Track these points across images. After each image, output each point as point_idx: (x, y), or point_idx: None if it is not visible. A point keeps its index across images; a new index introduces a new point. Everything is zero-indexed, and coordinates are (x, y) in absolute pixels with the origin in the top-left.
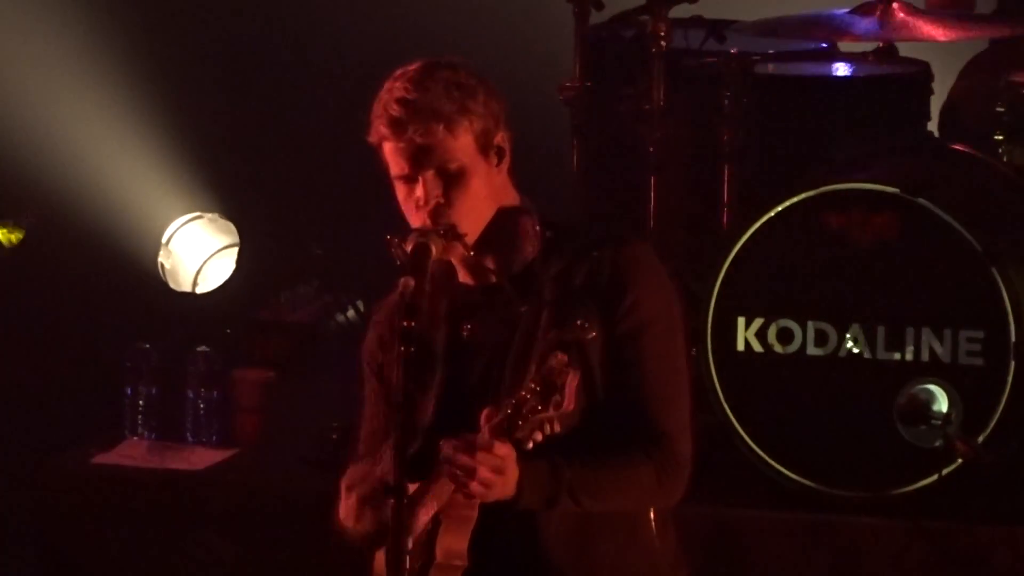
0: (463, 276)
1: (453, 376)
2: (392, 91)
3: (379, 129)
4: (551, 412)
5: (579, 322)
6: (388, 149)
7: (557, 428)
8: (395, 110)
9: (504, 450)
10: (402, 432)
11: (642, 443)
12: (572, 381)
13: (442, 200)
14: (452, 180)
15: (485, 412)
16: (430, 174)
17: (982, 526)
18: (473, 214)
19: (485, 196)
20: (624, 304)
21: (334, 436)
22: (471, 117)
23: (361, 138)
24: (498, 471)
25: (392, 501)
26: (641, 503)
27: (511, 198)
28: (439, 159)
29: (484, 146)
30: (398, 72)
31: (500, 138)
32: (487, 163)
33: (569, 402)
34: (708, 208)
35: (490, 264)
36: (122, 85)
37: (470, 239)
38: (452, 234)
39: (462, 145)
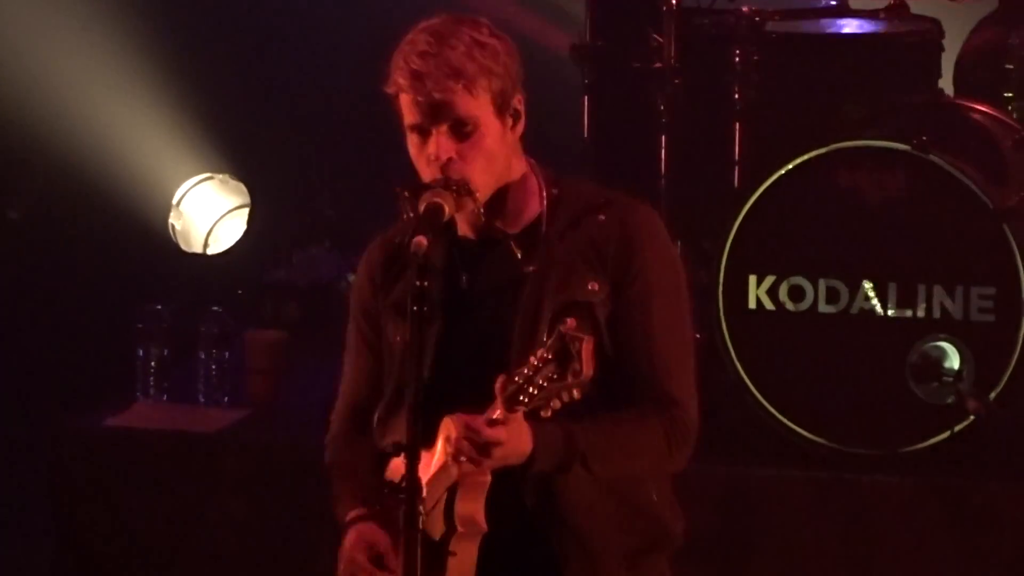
0: (463, 229)
1: (452, 328)
2: (414, 44)
3: (397, 80)
4: (569, 380)
5: (589, 285)
6: (405, 100)
7: (576, 395)
8: (416, 63)
9: (515, 425)
10: (415, 391)
11: (652, 408)
12: (588, 346)
13: (454, 156)
14: (466, 137)
15: (499, 381)
16: (444, 129)
17: (994, 482)
18: (485, 173)
19: (498, 155)
20: (633, 268)
21: None
22: (491, 77)
23: (371, 98)
24: (510, 450)
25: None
26: (651, 469)
27: (520, 159)
28: (455, 116)
29: (501, 106)
30: (422, 25)
31: (517, 100)
32: (502, 124)
33: (588, 368)
34: (719, 166)
35: (496, 221)
36: (133, 47)
37: (481, 197)
38: (464, 190)
39: (480, 104)
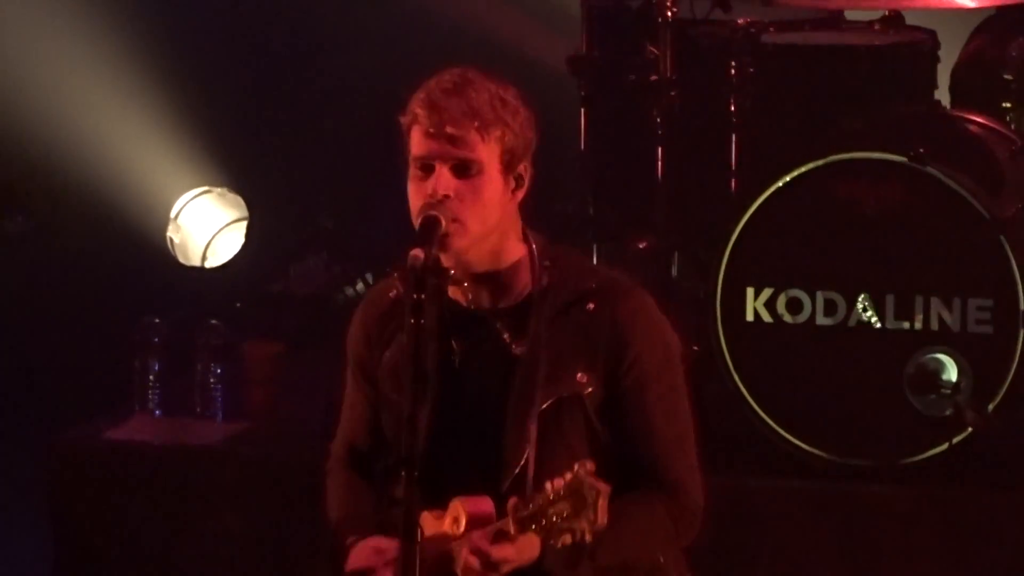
0: (454, 293)
1: (444, 399)
2: (440, 81)
3: (415, 110)
4: (584, 525)
5: (579, 376)
6: (416, 132)
7: (589, 539)
8: (436, 96)
9: (525, 539)
10: (414, 405)
11: (657, 495)
12: (603, 500)
13: (451, 195)
14: (467, 180)
15: (512, 502)
16: (448, 168)
17: (992, 494)
18: (479, 220)
19: (494, 208)
20: (627, 359)
21: None
22: (504, 130)
23: (369, 111)
24: (518, 563)
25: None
26: (657, 550)
27: (516, 227)
28: (462, 154)
29: (507, 164)
30: (453, 68)
31: (523, 167)
32: (504, 183)
33: (603, 519)
34: (716, 178)
35: (485, 293)
36: (131, 60)
37: (470, 249)
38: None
39: (488, 151)
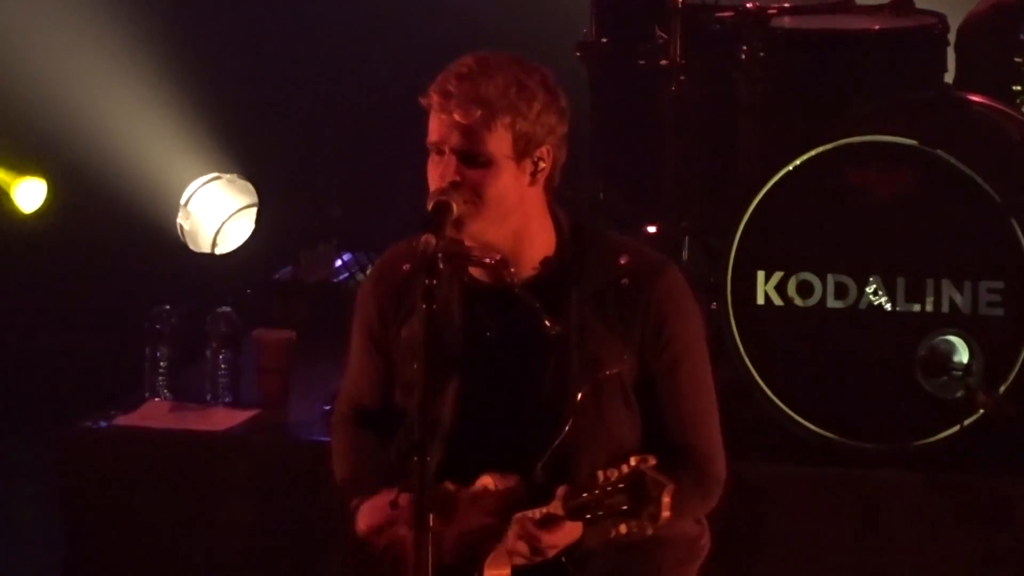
0: (478, 273)
1: (472, 379)
2: (459, 65)
3: (431, 95)
4: (644, 520)
5: (617, 354)
6: (431, 116)
7: (649, 532)
8: (450, 83)
9: (571, 525)
10: (426, 394)
11: (685, 468)
12: (668, 497)
13: (457, 179)
14: (475, 169)
15: (563, 490)
16: (455, 154)
17: (1004, 476)
18: (491, 207)
19: (507, 198)
20: (662, 337)
21: None
22: (516, 117)
23: (379, 97)
24: (562, 547)
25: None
26: (684, 520)
27: (541, 209)
28: (467, 145)
29: (521, 151)
30: (476, 52)
31: (544, 151)
32: (519, 169)
33: (666, 515)
34: (725, 163)
35: (511, 272)
36: (141, 47)
37: (487, 231)
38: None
39: (497, 140)
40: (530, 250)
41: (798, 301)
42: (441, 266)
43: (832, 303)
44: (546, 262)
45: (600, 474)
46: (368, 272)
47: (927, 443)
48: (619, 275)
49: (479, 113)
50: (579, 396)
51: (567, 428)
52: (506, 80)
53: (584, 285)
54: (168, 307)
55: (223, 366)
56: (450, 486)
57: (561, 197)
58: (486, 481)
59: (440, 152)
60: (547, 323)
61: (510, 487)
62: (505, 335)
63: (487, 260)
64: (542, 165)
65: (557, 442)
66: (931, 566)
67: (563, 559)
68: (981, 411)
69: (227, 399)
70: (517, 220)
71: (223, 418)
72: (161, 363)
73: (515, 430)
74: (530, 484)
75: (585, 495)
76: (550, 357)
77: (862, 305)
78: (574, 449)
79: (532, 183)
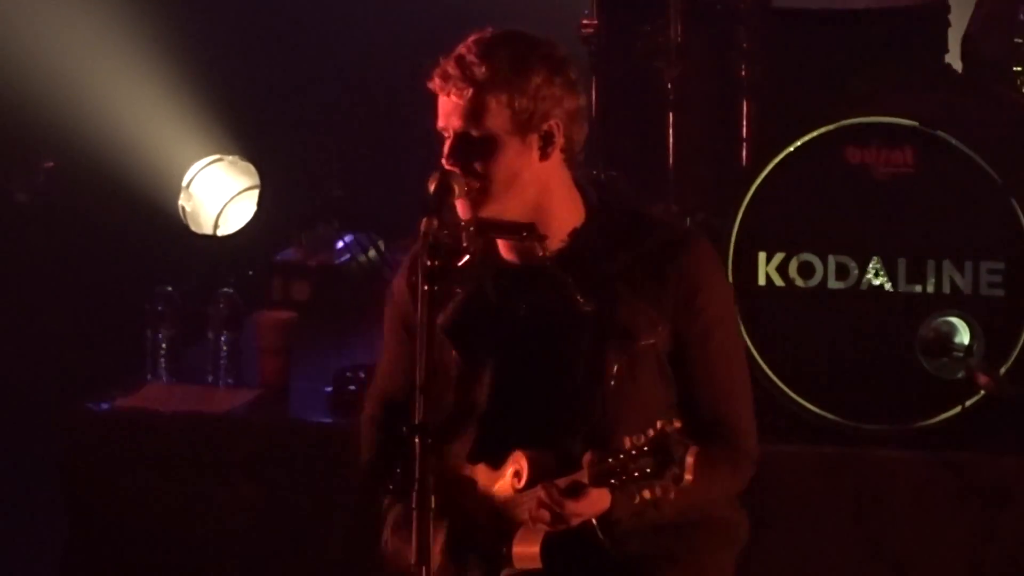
0: (505, 252)
1: (507, 359)
2: (461, 46)
3: (433, 78)
4: (668, 481)
5: (651, 327)
6: (439, 100)
7: (672, 496)
8: (450, 64)
9: (597, 493)
10: (425, 375)
11: (718, 442)
12: (692, 457)
13: (460, 160)
14: (476, 147)
15: (589, 456)
16: (453, 135)
17: (1005, 457)
18: (499, 185)
19: (516, 175)
20: (694, 308)
21: (361, 375)
22: (512, 93)
23: (380, 78)
24: (588, 516)
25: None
26: (715, 495)
27: (563, 183)
28: (464, 122)
29: (523, 126)
30: (480, 32)
31: (552, 125)
32: (523, 144)
33: (691, 476)
34: (727, 144)
35: (538, 248)
36: (142, 28)
37: (504, 211)
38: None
39: (492, 118)
40: (556, 223)
41: (799, 282)
42: (467, 244)
43: (833, 284)
44: (574, 234)
45: (627, 439)
46: (401, 263)
47: (928, 424)
48: (650, 246)
49: (471, 92)
50: (615, 368)
51: (604, 402)
52: (503, 57)
53: (615, 257)
54: (170, 288)
55: (224, 347)
56: (480, 470)
57: (598, 178)
58: (518, 457)
59: (444, 133)
60: (579, 299)
61: (541, 462)
62: (538, 312)
63: (518, 228)
64: (553, 138)
65: (594, 417)
66: (931, 546)
67: (600, 535)
68: (982, 392)
69: (228, 380)
70: (535, 195)
71: (224, 399)
72: (163, 345)
73: (551, 407)
74: (565, 459)
75: (611, 460)
76: (583, 332)
77: (863, 286)
78: (611, 423)
79: (544, 157)
